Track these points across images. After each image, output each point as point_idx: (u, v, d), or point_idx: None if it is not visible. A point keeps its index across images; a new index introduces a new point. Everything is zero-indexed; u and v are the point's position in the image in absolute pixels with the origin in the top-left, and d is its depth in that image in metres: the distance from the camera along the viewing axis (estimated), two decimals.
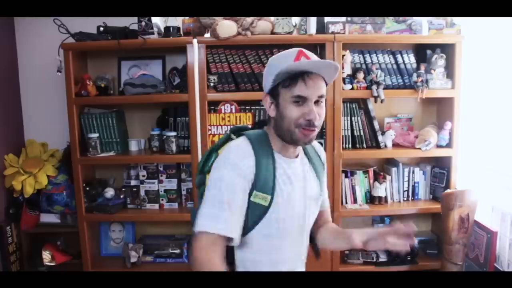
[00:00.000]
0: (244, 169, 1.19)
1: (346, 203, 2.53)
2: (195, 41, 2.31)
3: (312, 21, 2.30)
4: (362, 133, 2.49)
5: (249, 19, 2.28)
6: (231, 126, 2.36)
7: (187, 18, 2.40)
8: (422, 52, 2.50)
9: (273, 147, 1.27)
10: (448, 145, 2.46)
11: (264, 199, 1.22)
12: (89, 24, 2.36)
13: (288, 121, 1.20)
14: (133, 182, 2.57)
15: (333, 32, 2.35)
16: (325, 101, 1.27)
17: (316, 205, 1.38)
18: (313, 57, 1.21)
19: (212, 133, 2.42)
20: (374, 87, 2.37)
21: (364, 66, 2.46)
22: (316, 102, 1.20)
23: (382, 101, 2.37)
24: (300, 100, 1.18)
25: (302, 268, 1.40)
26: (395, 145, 2.54)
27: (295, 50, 1.21)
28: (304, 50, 1.21)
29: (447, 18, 2.41)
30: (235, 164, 1.19)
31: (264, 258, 1.28)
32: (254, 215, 1.23)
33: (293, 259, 1.35)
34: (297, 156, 1.31)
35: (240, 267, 1.30)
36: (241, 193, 1.20)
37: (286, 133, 1.22)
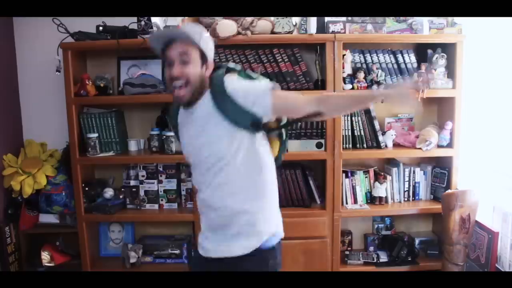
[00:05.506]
0: None
1: (347, 203, 2.52)
2: None
3: (313, 20, 2.30)
4: (362, 133, 2.48)
5: (249, 19, 2.27)
6: None
7: (187, 18, 2.39)
8: (423, 51, 2.49)
9: None
10: (449, 145, 2.45)
11: None
12: (88, 24, 2.35)
13: (166, 81, 1.43)
14: (132, 182, 2.56)
15: (333, 32, 2.34)
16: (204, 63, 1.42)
17: (213, 147, 1.44)
18: (188, 28, 1.43)
19: None
20: (374, 86, 2.36)
21: (364, 66, 2.46)
22: (182, 62, 1.38)
23: (382, 101, 2.35)
24: (170, 62, 1.40)
25: (212, 216, 1.48)
26: (396, 145, 2.54)
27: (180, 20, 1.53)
28: (187, 22, 1.41)
29: (448, 17, 2.40)
30: None
31: None
32: None
33: (202, 192, 1.53)
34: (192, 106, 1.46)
35: None
36: None
37: None
